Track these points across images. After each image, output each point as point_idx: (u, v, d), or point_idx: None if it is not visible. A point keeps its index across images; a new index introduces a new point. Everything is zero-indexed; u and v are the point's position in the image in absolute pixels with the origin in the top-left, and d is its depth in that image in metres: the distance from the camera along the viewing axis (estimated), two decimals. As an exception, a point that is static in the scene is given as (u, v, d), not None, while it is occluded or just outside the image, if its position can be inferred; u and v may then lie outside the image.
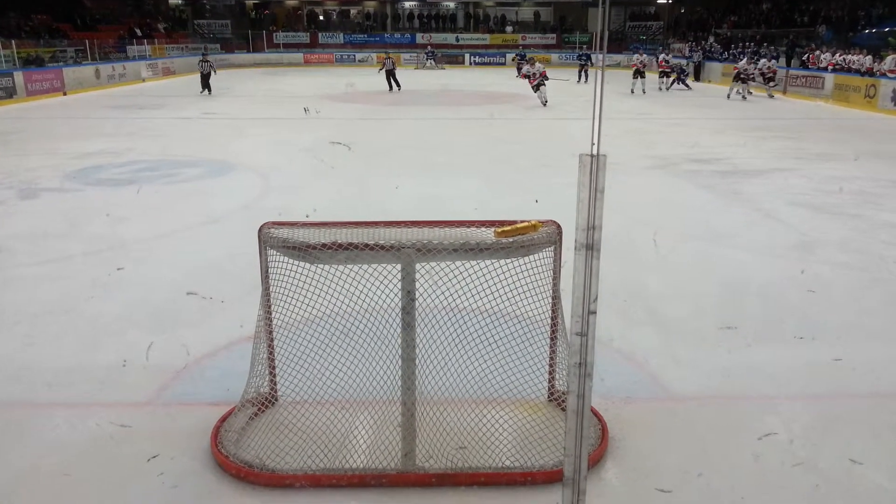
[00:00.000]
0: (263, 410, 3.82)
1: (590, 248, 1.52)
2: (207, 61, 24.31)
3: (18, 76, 21.66)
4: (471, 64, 42.37)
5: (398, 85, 25.23)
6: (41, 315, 5.32)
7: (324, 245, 3.18)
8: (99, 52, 29.38)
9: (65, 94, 23.27)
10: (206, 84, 23.84)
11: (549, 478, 3.28)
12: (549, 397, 3.90)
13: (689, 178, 10.46)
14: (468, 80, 31.52)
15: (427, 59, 39.90)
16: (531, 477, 3.29)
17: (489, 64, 42.02)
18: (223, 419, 3.73)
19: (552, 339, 3.76)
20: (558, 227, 3.47)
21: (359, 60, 42.24)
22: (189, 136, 14.87)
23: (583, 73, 28.89)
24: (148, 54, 33.05)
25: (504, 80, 30.24)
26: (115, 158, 11.95)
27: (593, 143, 1.40)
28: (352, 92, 24.49)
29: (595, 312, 1.56)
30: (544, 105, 19.39)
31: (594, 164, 1.43)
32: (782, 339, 4.94)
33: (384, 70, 25.63)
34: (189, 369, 4.44)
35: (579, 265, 1.52)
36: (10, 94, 20.90)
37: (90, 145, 13.25)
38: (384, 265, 3.30)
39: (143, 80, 29.26)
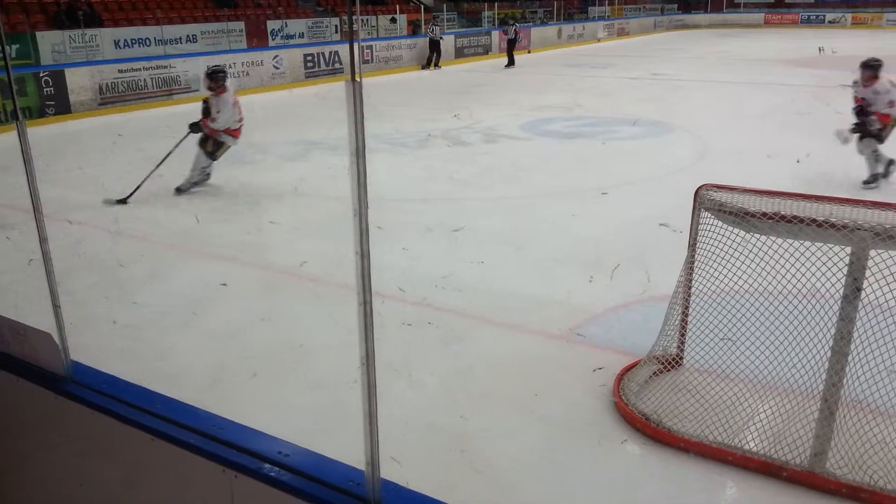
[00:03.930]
0: (667, 370, 3.85)
1: None
2: (437, 25, 21.85)
3: (494, 35, 24.62)
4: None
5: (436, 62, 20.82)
6: (490, 243, 6.15)
7: (764, 214, 3.01)
8: (564, 13, 31.63)
9: (529, 51, 25.69)
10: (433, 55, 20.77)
11: None
12: None
13: None
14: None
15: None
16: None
17: None
18: (627, 368, 3.88)
19: None
20: None
21: (829, 22, 37.60)
22: (635, 96, 15.18)
23: None
24: (607, 15, 34.41)
25: None
26: (563, 113, 12.88)
27: None
28: (822, 57, 21.88)
29: None
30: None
31: None
32: None
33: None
34: (606, 315, 4.71)
35: None
36: (486, 50, 23.93)
37: (544, 99, 14.50)
38: (830, 245, 2.99)
39: (598, 41, 30.61)
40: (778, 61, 21.21)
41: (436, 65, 20.66)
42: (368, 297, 1.56)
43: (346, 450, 1.79)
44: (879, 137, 7.20)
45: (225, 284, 5.25)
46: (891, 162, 7.34)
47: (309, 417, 3.50)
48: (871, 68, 7.06)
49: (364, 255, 1.54)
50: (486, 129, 11.39)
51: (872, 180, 7.36)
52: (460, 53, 22.68)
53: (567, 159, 9.42)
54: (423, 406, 3.68)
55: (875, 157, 7.30)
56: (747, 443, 3.26)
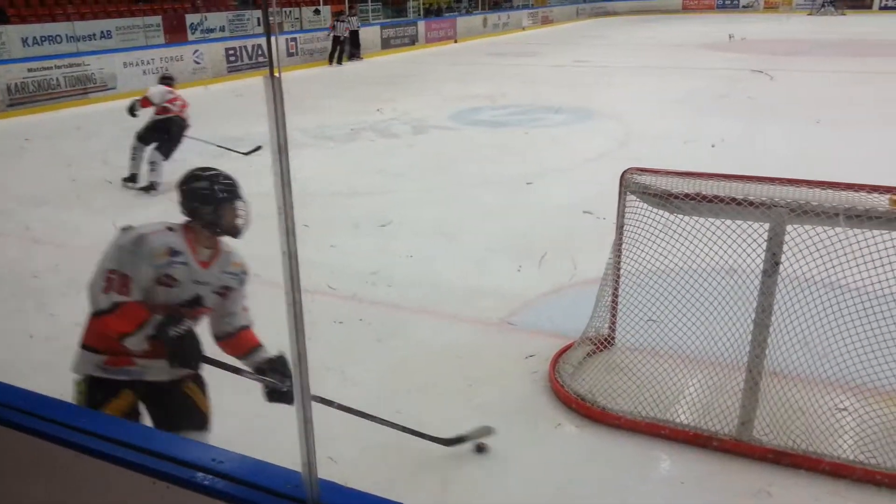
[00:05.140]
0: (600, 350, 3.94)
1: None
2: (342, 21, 19.77)
3: (421, 25, 24.55)
4: (880, 8, 36.19)
5: (339, 59, 19.57)
6: (420, 235, 6.14)
7: (687, 195, 3.10)
8: (489, 2, 31.77)
9: (455, 41, 25.70)
10: (336, 51, 19.42)
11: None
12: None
13: None
14: (878, 27, 27.07)
15: (825, 4, 35.17)
16: (888, 478, 2.89)
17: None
18: (562, 351, 3.94)
19: (947, 333, 3.18)
20: (977, 201, 2.89)
21: (743, 6, 39.01)
22: (559, 83, 15.40)
23: None
24: (531, 3, 34.74)
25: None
26: (491, 102, 12.94)
27: None
28: (734, 42, 22.62)
29: None
30: None
31: None
32: None
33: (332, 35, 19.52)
34: (540, 300, 4.77)
35: None
36: (412, 41, 23.82)
37: (472, 89, 14.54)
38: (750, 223, 3.11)
39: (524, 29, 30.88)
40: (696, 46, 21.88)
41: (339, 61, 19.49)
42: (297, 296, 1.53)
43: (284, 452, 1.76)
44: (144, 139, 7.54)
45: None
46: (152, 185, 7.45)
47: (243, 422, 3.42)
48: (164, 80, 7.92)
49: (291, 255, 1.51)
50: (415, 120, 11.36)
51: (129, 179, 7.58)
52: (386, 44, 22.51)
53: (495, 148, 9.48)
54: (359, 403, 3.62)
55: (133, 154, 7.57)
56: (678, 416, 3.37)
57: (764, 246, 3.05)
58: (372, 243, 5.97)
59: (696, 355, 3.49)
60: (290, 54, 18.77)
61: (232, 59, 17.13)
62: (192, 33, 17.44)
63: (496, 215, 6.65)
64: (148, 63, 15.15)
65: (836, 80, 14.64)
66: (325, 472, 1.66)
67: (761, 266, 3.06)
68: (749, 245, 3.15)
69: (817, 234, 3.06)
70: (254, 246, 5.40)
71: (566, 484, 3.03)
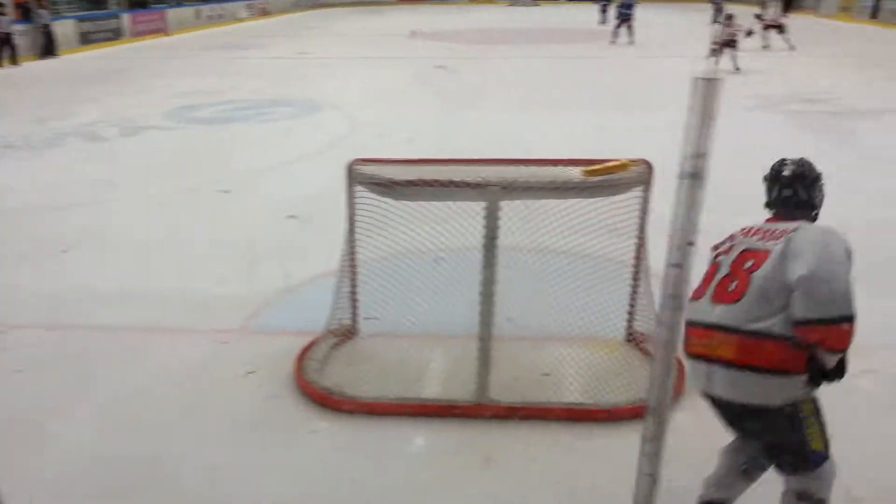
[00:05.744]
0: (345, 342, 3.95)
1: (695, 176, 1.52)
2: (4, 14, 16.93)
3: (125, 18, 22.52)
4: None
5: (13, 58, 16.76)
6: (148, 244, 5.65)
7: (409, 181, 3.21)
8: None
9: (167, 34, 24.02)
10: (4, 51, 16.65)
11: (623, 415, 3.27)
12: (626, 338, 3.87)
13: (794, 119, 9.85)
14: (565, 17, 30.53)
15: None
16: (605, 414, 3.30)
17: None
18: (306, 348, 3.88)
19: (634, 280, 3.70)
20: (649, 166, 3.37)
21: (450, -2, 41.57)
22: (282, 76, 15.14)
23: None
24: (246, -6, 33.61)
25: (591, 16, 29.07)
26: (212, 98, 12.32)
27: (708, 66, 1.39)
28: (445, 33, 23.97)
29: (694, 244, 1.57)
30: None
31: (707, 88, 1.43)
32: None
33: None
34: (276, 300, 4.64)
35: (682, 194, 1.53)
36: (116, 35, 21.78)
37: (189, 84, 13.71)
38: (469, 202, 3.30)
39: (241, 21, 29.82)
40: (409, 36, 22.88)
41: (12, 61, 16.68)
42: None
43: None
44: None
45: None
46: None
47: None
48: None
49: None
50: (125, 122, 10.40)
51: None
52: (86, 39, 20.30)
53: (215, 147, 9.03)
54: (73, 458, 3.12)
55: None
56: (422, 391, 3.51)
57: (483, 223, 3.26)
58: (64, 266, 5.24)
59: (435, 332, 3.66)
60: (-36, 52, 16.10)
61: None
62: None
63: (219, 217, 6.28)
64: None
65: (533, 66, 16.24)
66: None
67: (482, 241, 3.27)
68: (470, 223, 3.36)
69: (527, 207, 3.35)
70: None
71: (320, 479, 2.99)
